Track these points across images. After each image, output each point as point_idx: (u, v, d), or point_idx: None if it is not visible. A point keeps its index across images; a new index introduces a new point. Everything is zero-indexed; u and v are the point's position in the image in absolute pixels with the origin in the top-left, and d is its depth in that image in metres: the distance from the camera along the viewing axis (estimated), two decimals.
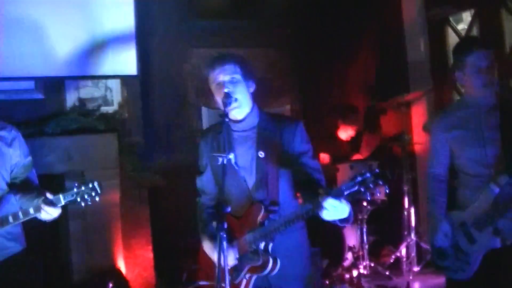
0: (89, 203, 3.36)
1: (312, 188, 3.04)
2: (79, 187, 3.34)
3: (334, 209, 2.80)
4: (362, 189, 2.74)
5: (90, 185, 3.35)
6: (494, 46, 3.83)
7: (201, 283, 3.41)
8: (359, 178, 2.74)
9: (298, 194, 3.32)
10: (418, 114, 6.49)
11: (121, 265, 5.60)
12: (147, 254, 5.82)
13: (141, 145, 5.85)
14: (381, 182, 2.73)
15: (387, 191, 5.88)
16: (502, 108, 3.63)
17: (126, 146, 5.73)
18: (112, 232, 5.59)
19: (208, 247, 3.31)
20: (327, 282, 5.47)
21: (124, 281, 5.50)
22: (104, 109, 5.78)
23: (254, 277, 3.16)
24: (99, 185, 3.37)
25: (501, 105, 3.63)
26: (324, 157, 6.66)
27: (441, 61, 6.46)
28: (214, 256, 3.20)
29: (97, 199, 3.36)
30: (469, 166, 3.61)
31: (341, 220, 2.92)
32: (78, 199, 3.34)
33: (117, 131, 5.67)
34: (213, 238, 3.20)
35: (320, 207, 2.80)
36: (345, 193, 2.77)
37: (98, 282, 5.34)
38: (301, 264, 3.30)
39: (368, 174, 2.73)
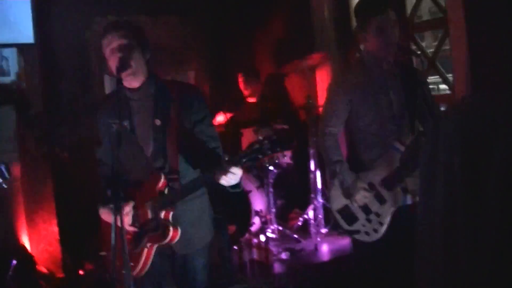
0: None
1: (209, 157, 3.10)
2: None
3: (233, 177, 2.86)
4: (260, 156, 2.79)
5: None
6: (396, 7, 3.83)
7: (103, 254, 3.40)
8: (257, 146, 2.77)
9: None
10: (323, 78, 6.54)
11: (25, 241, 5.44)
12: (52, 228, 5.67)
13: (42, 116, 5.66)
14: (278, 149, 2.79)
15: (292, 154, 5.94)
16: (404, 69, 3.70)
17: (26, 119, 5.52)
18: (14, 208, 5.40)
19: (106, 215, 3.25)
20: (235, 247, 5.49)
21: (29, 257, 5.34)
22: (0, 79, 5.54)
23: (155, 246, 3.15)
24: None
25: (402, 66, 3.69)
26: (220, 117, 6.64)
27: (344, 24, 6.49)
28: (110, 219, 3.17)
29: None
30: (375, 126, 3.63)
31: (233, 186, 2.98)
32: None
33: (15, 103, 5.43)
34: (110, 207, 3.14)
35: (220, 175, 2.85)
36: (243, 160, 2.81)
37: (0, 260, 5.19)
38: (204, 230, 3.32)
39: (265, 142, 2.75)
